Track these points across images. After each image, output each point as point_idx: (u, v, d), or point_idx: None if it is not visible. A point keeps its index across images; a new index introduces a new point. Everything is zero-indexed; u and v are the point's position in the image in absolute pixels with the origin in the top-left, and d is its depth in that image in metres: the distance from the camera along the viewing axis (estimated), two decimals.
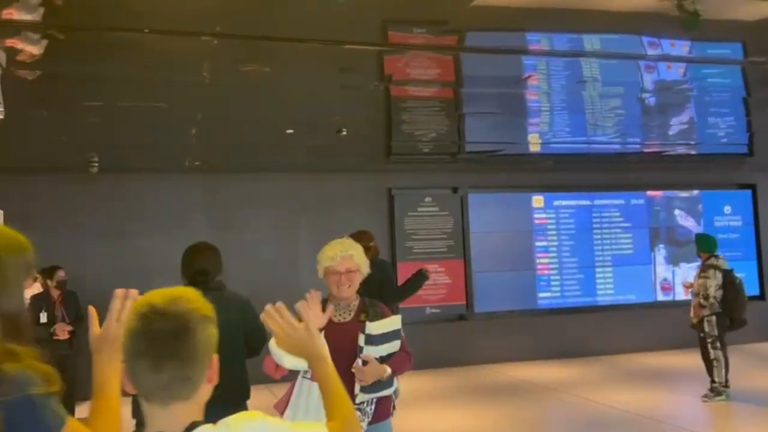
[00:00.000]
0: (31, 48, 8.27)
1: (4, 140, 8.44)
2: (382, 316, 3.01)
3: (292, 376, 2.97)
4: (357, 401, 2.78)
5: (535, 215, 10.53)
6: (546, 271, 10.46)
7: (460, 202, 10.24)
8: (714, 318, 7.12)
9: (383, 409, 2.98)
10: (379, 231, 9.83)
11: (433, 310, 9.90)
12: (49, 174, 8.73)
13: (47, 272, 6.57)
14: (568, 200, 10.70)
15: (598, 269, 10.68)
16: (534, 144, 10.24)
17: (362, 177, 9.83)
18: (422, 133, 9.90)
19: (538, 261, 10.44)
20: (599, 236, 10.73)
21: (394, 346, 2.97)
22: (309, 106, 9.32)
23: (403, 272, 8.28)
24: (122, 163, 8.89)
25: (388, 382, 2.91)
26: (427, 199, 10.11)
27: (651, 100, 10.15)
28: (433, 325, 9.63)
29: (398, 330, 3.00)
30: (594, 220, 10.77)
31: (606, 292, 10.66)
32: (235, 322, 3.33)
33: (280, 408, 2.94)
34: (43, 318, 6.39)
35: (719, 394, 7.11)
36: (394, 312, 3.75)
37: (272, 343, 2.65)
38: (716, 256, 7.33)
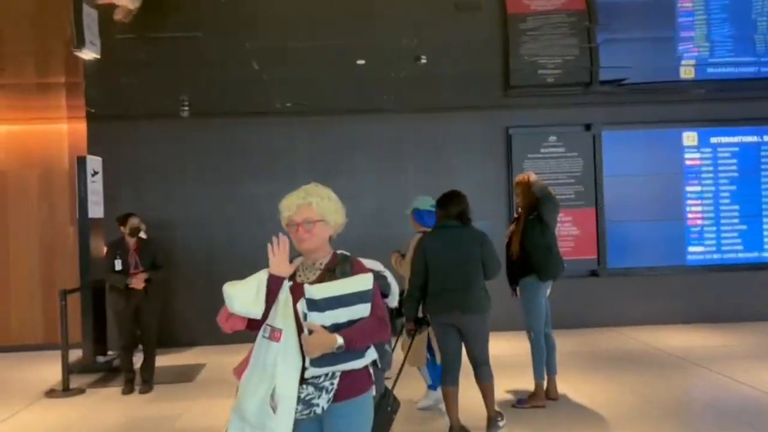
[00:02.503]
0: (127, 3, 8.00)
1: (104, 87, 8.34)
2: (352, 274, 2.48)
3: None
4: (306, 375, 2.39)
5: (686, 155, 8.88)
6: (698, 222, 8.82)
7: (593, 141, 8.82)
8: None
9: (352, 385, 2.47)
10: (494, 176, 8.76)
11: None
12: (149, 119, 8.50)
13: (121, 219, 6.25)
14: (730, 136, 8.93)
15: (766, 219, 8.82)
16: (686, 68, 8.55)
17: (475, 115, 8.73)
18: (546, 60, 8.55)
19: (688, 209, 8.85)
20: None
21: (354, 312, 2.43)
22: (408, 33, 8.34)
23: None
24: (221, 106, 8.48)
25: (351, 354, 2.41)
26: (552, 138, 8.78)
27: None
28: (559, 282, 8.38)
29: (364, 292, 2.44)
30: (763, 159, 8.95)
31: None
32: (476, 250, 4.46)
33: (239, 372, 2.56)
34: (118, 265, 6.14)
35: None
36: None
37: (226, 285, 2.50)
38: None
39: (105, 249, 6.64)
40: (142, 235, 6.74)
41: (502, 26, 8.61)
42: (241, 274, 2.65)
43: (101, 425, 5.36)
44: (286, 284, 2.48)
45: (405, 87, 8.46)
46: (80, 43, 7.03)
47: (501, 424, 4.64)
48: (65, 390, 6.24)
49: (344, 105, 8.52)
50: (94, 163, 7.50)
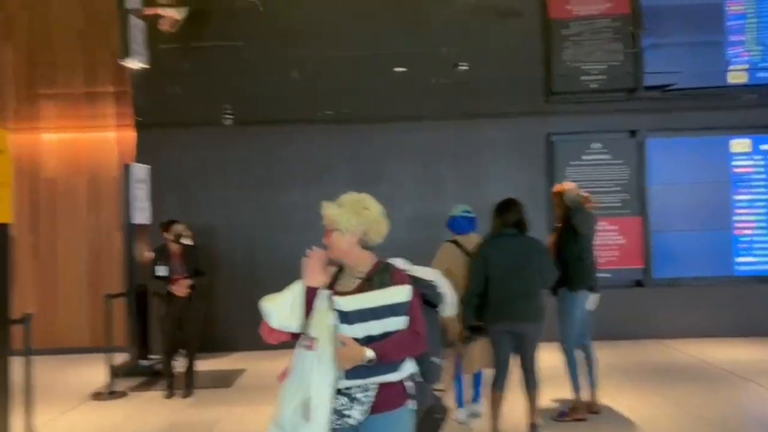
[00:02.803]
0: (173, 13, 8.18)
1: (150, 96, 8.51)
2: (391, 285, 2.43)
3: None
4: (339, 386, 2.38)
5: (735, 162, 8.61)
6: (747, 231, 8.54)
7: (638, 149, 8.61)
8: None
9: (389, 398, 2.43)
10: (536, 184, 8.62)
11: (604, 275, 8.46)
12: (193, 127, 8.64)
13: (165, 226, 6.35)
14: None
15: None
16: (737, 73, 8.29)
17: (516, 121, 8.61)
18: (590, 65, 8.41)
19: (736, 218, 8.55)
20: None
21: (387, 324, 2.39)
22: (448, 40, 8.30)
23: None
24: (262, 115, 8.57)
25: (386, 367, 2.39)
26: (596, 145, 8.61)
27: None
28: (603, 292, 8.22)
29: (398, 304, 2.40)
30: None
31: None
32: (535, 258, 4.47)
33: (282, 378, 2.57)
34: (160, 271, 6.20)
35: None
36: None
37: (263, 300, 2.52)
38: None
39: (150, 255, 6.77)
40: (188, 241, 6.84)
41: (544, 32, 8.51)
42: (282, 280, 2.68)
43: (144, 428, 5.45)
44: (323, 293, 2.46)
45: (445, 94, 8.42)
46: (127, 53, 7.22)
47: (540, 422, 4.65)
48: (110, 393, 6.38)
49: (384, 113, 8.52)
50: (141, 170, 7.66)
